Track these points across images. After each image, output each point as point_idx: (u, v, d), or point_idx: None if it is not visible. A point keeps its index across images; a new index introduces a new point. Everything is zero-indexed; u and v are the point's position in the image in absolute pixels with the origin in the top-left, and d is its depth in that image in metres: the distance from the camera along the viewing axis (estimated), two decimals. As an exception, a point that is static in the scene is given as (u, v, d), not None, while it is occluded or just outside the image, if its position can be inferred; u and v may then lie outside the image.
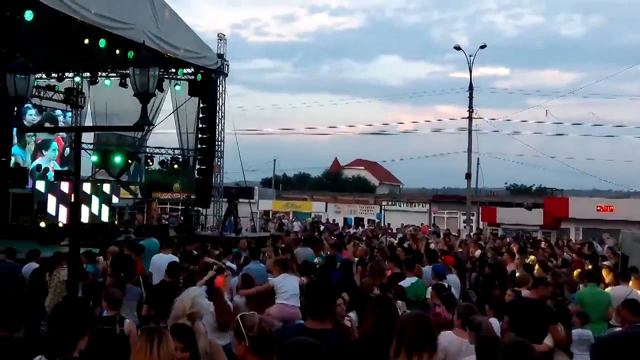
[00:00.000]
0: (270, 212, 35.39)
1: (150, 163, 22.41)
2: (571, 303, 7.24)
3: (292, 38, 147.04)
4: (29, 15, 12.15)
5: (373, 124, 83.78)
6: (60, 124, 21.43)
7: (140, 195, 26.79)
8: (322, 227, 25.13)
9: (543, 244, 15.46)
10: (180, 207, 27.36)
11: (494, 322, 6.00)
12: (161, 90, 20.17)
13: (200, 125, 20.40)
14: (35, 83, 20.66)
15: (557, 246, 16.17)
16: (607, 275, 8.67)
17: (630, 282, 7.92)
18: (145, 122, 5.75)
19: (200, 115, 20.32)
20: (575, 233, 25.92)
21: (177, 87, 20.79)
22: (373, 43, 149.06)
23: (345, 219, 33.33)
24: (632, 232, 13.92)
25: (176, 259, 7.84)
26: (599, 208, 26.59)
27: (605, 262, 11.01)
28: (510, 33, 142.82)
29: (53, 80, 21.15)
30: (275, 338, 2.94)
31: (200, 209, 21.45)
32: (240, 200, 22.71)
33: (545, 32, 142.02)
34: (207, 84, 19.73)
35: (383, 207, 36.15)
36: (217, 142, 20.65)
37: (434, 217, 32.92)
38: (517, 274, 8.77)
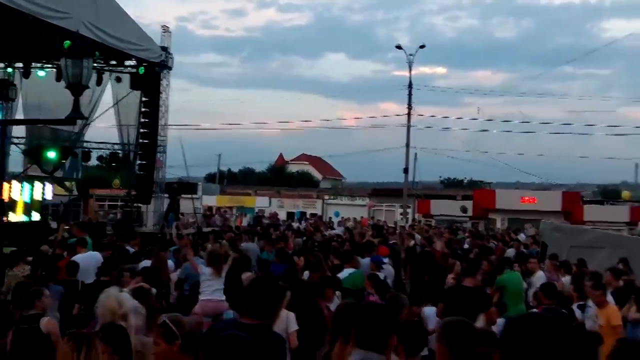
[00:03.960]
0: (214, 208, 35.06)
1: (88, 158, 21.66)
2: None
3: (240, 33, 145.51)
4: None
5: (319, 120, 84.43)
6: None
7: (77, 192, 25.83)
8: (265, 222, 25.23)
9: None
10: (119, 204, 26.56)
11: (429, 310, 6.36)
12: (100, 82, 19.57)
13: (142, 120, 19.95)
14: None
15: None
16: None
17: (546, 267, 8.59)
18: (77, 115, 5.68)
19: (143, 109, 19.86)
20: (501, 223, 27.18)
21: (118, 80, 20.20)
22: (320, 40, 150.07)
23: (292, 213, 33.48)
24: (551, 221, 14.97)
25: (99, 257, 7.72)
26: (522, 199, 28.04)
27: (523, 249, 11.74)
28: (449, 34, 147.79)
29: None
30: (202, 335, 3.01)
31: (140, 205, 20.98)
32: (183, 196, 22.39)
33: (481, 34, 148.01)
34: (150, 77, 19.31)
35: (325, 201, 36.64)
36: (159, 137, 20.28)
37: (374, 210, 33.71)
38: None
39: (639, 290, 7.24)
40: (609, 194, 44.35)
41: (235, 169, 59.30)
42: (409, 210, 29.99)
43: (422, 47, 29.76)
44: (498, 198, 28.67)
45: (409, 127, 29.44)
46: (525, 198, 28.29)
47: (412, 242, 13.74)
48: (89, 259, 7.38)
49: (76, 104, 5.58)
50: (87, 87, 5.92)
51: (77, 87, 5.48)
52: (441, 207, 29.49)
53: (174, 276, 8.42)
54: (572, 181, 49.56)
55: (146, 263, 8.04)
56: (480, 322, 5.75)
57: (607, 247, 11.18)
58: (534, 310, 6.69)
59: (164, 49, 19.92)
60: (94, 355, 2.82)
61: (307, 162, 60.77)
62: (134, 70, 19.36)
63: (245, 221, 26.18)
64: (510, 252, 12.20)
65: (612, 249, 10.92)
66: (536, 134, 54.98)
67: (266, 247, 10.50)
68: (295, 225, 23.11)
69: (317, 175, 59.87)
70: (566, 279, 8.45)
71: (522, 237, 17.08)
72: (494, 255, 10.84)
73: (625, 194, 36.20)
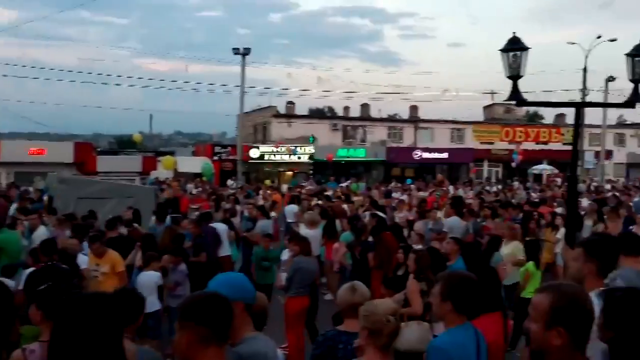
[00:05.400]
0: None
1: None
2: None
3: None
4: None
5: None
6: None
7: None
8: None
9: None
10: None
11: None
12: None
13: None
14: None
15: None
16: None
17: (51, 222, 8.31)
18: None
19: None
20: (7, 177, 25.36)
21: None
22: None
23: None
24: (57, 173, 14.52)
25: None
26: (30, 151, 27.03)
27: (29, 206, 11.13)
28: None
29: None
30: None
31: None
32: None
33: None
34: None
35: None
36: None
37: None
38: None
39: (143, 238, 7.77)
40: (125, 144, 46.54)
41: None
42: None
43: None
44: (4, 150, 26.54)
45: None
46: (34, 149, 27.31)
47: None
48: None
49: None
50: None
51: None
52: None
53: None
54: (89, 132, 49.69)
55: None
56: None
57: (115, 197, 11.59)
58: (32, 268, 6.16)
59: None
60: None
61: None
62: None
63: None
64: (13, 207, 11.04)
65: (120, 198, 11.40)
66: (51, 81, 52.13)
67: None
68: None
69: None
70: (67, 233, 8.21)
71: (30, 190, 15.88)
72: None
73: (137, 136, 38.16)
